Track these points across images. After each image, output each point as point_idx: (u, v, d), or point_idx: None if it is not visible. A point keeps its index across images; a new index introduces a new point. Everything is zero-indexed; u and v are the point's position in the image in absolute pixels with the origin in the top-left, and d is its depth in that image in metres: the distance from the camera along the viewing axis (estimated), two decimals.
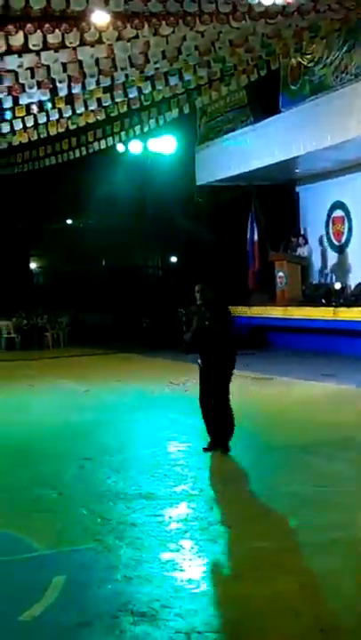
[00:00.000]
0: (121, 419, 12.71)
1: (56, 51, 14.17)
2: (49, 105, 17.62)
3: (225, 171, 24.45)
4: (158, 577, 5.79)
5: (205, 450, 9.73)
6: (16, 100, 16.83)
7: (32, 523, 7.11)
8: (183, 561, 6.09)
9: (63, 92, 16.51)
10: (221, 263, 26.41)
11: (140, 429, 11.68)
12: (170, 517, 7.19)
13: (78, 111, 18.09)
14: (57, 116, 18.38)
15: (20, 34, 13.45)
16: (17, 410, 14.05)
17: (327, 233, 23.98)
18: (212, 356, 9.59)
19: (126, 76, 16.36)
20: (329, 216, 23.88)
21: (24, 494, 8.16)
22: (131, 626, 4.97)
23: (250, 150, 22.94)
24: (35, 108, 17.77)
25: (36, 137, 20.05)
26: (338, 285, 21.77)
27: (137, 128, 21.36)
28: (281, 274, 22.99)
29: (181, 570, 5.91)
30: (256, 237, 25.31)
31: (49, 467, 9.43)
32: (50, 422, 12.61)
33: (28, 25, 13.33)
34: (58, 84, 15.92)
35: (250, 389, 14.98)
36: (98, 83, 16.10)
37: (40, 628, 5.00)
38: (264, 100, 23.15)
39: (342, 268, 23.07)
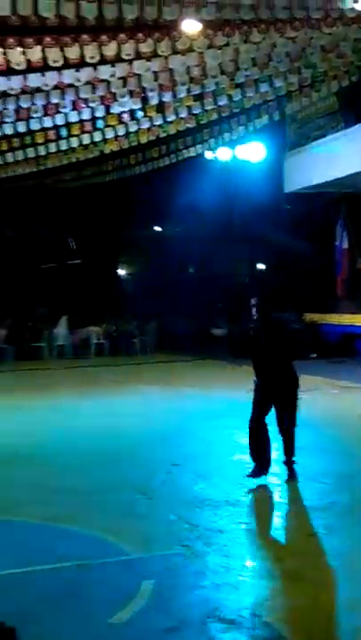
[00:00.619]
0: (206, 425, 12.73)
1: (148, 60, 14.32)
2: (140, 113, 17.82)
3: (314, 178, 24.27)
4: (247, 585, 5.77)
5: (250, 476, 8.79)
6: (108, 109, 17.08)
7: (121, 527, 7.17)
8: (271, 569, 6.05)
9: (154, 101, 16.68)
10: (310, 271, 26.22)
11: (225, 436, 11.66)
12: (257, 525, 7.16)
13: (169, 119, 18.24)
14: (148, 125, 18.57)
15: (114, 44, 13.65)
16: (106, 414, 14.22)
17: None
18: (273, 375, 8.81)
19: (217, 83, 16.42)
20: None
21: (114, 498, 8.24)
22: (219, 633, 4.96)
23: (340, 157, 22.72)
24: (126, 117, 18.00)
25: (126, 145, 20.30)
26: None
27: (226, 135, 21.40)
28: None
29: (270, 578, 5.88)
30: (346, 245, 25.05)
31: (137, 471, 9.51)
32: (137, 427, 12.72)
33: (121, 35, 13.51)
34: (149, 93, 16.09)
35: (340, 397, 14.81)
36: (188, 91, 16.21)
37: (129, 631, 5.03)
38: (355, 105, 22.91)
39: None
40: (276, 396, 8.85)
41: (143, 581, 5.76)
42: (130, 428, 12.66)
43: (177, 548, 6.54)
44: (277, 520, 7.32)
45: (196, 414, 13.91)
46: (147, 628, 5.06)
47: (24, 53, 14.53)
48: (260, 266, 35.70)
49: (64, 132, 19.44)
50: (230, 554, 6.42)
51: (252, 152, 26.75)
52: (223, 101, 17.75)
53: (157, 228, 37.64)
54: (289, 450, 8.93)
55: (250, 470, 8.85)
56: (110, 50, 13.94)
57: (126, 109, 17.33)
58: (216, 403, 15.22)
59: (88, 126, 18.78)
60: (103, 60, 14.54)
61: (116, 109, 17.21)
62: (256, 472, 8.82)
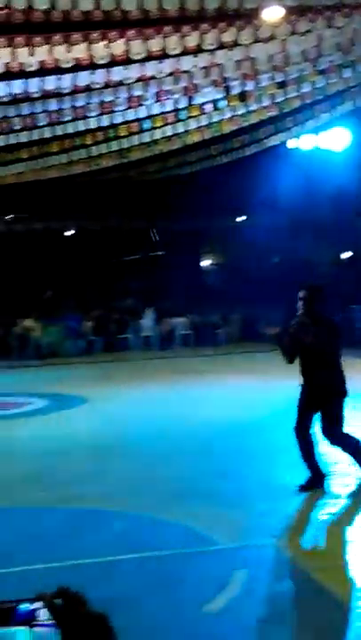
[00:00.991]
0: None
1: (230, 49, 14.27)
2: (222, 103, 17.78)
3: None
4: (339, 575, 5.72)
5: (302, 489, 7.98)
6: (190, 100, 17.10)
7: (212, 516, 7.19)
8: None
9: (236, 90, 16.61)
10: None
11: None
12: (349, 517, 7.09)
13: (251, 108, 18.15)
14: (230, 114, 18.52)
15: (196, 34, 13.64)
16: (194, 404, 14.28)
17: None
18: (318, 378, 7.93)
19: (299, 70, 16.25)
20: None
21: (205, 487, 8.27)
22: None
23: None
24: (208, 107, 17.98)
25: (209, 136, 20.29)
26: None
27: (309, 123, 21.16)
28: None
29: None
30: None
31: (227, 460, 9.53)
32: (226, 417, 12.73)
33: (203, 25, 13.49)
34: (231, 82, 16.04)
35: None
36: (271, 79, 16.09)
37: (223, 620, 5.05)
38: None
39: None
40: (316, 403, 7.99)
41: (235, 571, 5.77)
42: (219, 418, 12.69)
43: (269, 539, 6.53)
44: None
45: (284, 404, 13.83)
46: (240, 618, 5.07)
47: (107, 47, 14.66)
48: (345, 255, 35.25)
49: (147, 125, 19.55)
50: (321, 544, 6.38)
51: (336, 139, 26.37)
52: (306, 88, 17.55)
53: (240, 219, 37.53)
54: (314, 466, 8.08)
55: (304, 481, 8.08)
56: (192, 40, 13.94)
57: (209, 100, 17.31)
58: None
59: (171, 118, 18.83)
60: (185, 51, 14.55)
61: (198, 100, 17.21)
62: (308, 484, 8.01)
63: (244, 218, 37.42)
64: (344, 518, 7.08)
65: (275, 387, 16.08)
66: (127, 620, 4.93)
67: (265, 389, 15.83)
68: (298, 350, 8.04)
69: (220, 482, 8.47)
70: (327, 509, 7.34)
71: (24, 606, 1.19)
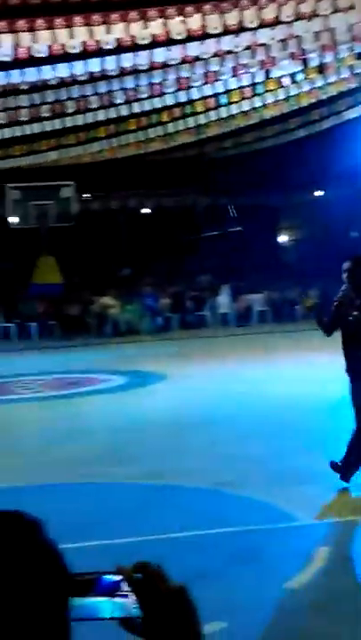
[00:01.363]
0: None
1: (308, 20, 14.06)
2: (300, 76, 17.56)
3: None
4: None
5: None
6: (268, 74, 16.93)
7: (294, 494, 7.17)
8: None
9: (315, 62, 16.38)
10: None
11: None
12: None
13: (330, 80, 17.87)
14: (308, 87, 18.28)
15: (273, 6, 13.48)
16: (277, 381, 14.21)
17: None
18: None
19: None
20: None
21: (287, 465, 8.25)
22: None
23: None
24: (286, 81, 17.79)
25: (286, 109, 20.08)
26: None
27: None
28: None
29: None
30: None
31: (308, 438, 9.45)
32: (309, 395, 12.61)
33: None
34: (309, 55, 15.82)
35: None
36: (351, 50, 15.80)
37: (307, 595, 5.04)
38: None
39: None
40: None
41: (318, 547, 5.75)
42: (302, 396, 12.58)
43: (351, 515, 6.48)
44: None
45: None
46: (324, 594, 5.06)
47: (184, 22, 14.61)
48: None
49: (224, 100, 19.45)
50: None
51: None
52: None
53: (318, 193, 37.07)
54: None
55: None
56: (270, 13, 13.80)
57: (286, 73, 17.11)
58: None
59: (248, 92, 18.70)
60: (262, 24, 14.40)
61: (275, 73, 17.03)
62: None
63: (321, 193, 36.96)
64: None
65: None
66: (210, 593, 4.98)
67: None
68: (337, 325, 7.49)
69: (302, 459, 8.42)
70: None
71: (107, 577, 1.21)
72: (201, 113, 20.62)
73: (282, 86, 18.16)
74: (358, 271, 7.36)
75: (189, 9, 14.23)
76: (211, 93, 18.69)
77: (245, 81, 17.57)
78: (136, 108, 20.29)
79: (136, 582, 1.19)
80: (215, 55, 16.44)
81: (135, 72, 18.12)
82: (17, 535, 1.11)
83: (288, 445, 9.13)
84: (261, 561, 5.63)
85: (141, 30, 14.87)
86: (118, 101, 20.11)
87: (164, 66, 17.39)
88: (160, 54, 16.49)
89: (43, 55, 15.84)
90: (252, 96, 18.93)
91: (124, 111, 20.74)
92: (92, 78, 18.77)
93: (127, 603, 1.17)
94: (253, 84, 17.89)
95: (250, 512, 6.78)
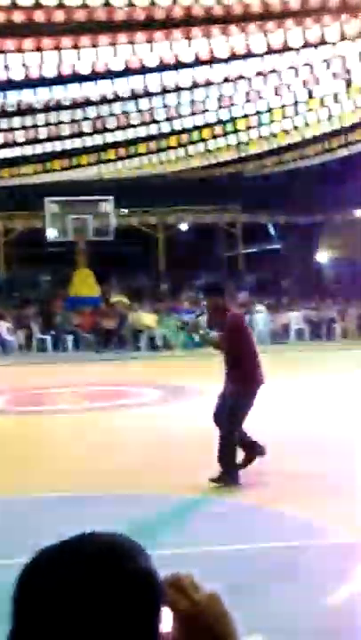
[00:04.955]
0: None
1: (353, 40, 14.11)
2: (343, 95, 17.60)
3: None
4: None
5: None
6: (310, 93, 17.00)
7: (335, 510, 7.15)
8: None
9: (358, 82, 16.41)
10: None
11: None
12: None
13: None
14: (352, 107, 18.30)
15: (317, 27, 13.55)
16: (308, 400, 14.17)
17: None
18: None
19: None
20: None
21: (323, 481, 8.23)
22: None
23: None
24: (329, 100, 17.83)
25: (329, 128, 20.11)
26: None
27: None
28: None
29: None
30: None
31: (339, 456, 9.42)
32: (347, 412, 12.58)
33: (326, 17, 13.39)
34: (353, 74, 15.85)
35: None
36: None
37: (348, 613, 5.03)
38: None
39: None
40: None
41: (356, 565, 5.74)
42: (339, 414, 12.54)
43: None
44: None
45: None
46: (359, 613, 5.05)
47: (227, 41, 14.74)
48: None
49: (266, 118, 19.54)
50: None
51: None
52: None
53: (359, 213, 36.94)
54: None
55: None
56: (314, 33, 13.87)
57: (329, 92, 17.16)
58: None
59: (290, 111, 18.77)
60: (306, 44, 14.48)
61: (318, 92, 17.09)
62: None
63: None
64: None
65: None
66: (244, 607, 5.00)
67: None
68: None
69: (340, 475, 8.39)
70: None
71: None
72: (242, 131, 20.72)
73: (324, 105, 18.19)
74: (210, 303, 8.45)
75: (233, 29, 14.36)
76: (253, 112, 18.79)
77: (288, 99, 17.65)
78: (177, 124, 20.45)
79: (166, 594, 1.18)
80: (259, 74, 16.55)
81: (177, 89, 18.29)
82: (109, 562, 1.14)
83: (325, 462, 9.10)
84: (297, 577, 5.64)
85: (186, 48, 15.03)
86: (159, 118, 20.29)
87: (207, 84, 17.53)
88: (202, 72, 16.64)
89: (86, 72, 16.08)
90: (295, 114, 18.99)
91: (165, 128, 20.92)
92: (134, 95, 18.98)
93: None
94: (296, 103, 17.96)
95: (286, 527, 6.79)
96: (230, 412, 8.41)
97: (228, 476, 8.14)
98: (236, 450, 8.35)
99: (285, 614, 5.02)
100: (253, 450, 8.56)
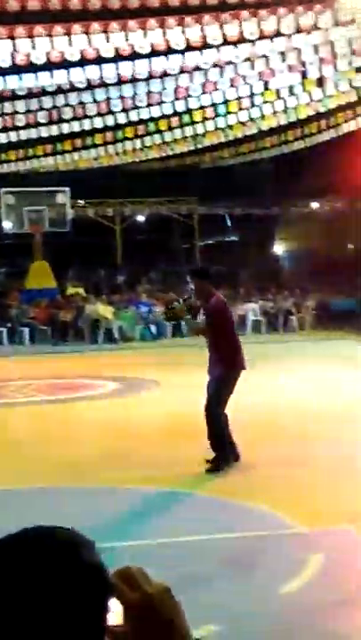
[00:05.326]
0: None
1: (308, 33, 14.16)
2: (299, 88, 17.67)
3: None
4: None
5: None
6: (266, 85, 17.04)
7: (291, 500, 7.21)
8: None
9: (314, 75, 16.48)
10: None
11: None
12: None
13: (328, 93, 17.98)
14: (307, 99, 18.39)
15: (273, 19, 13.58)
16: (271, 390, 14.24)
17: None
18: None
19: None
20: None
21: (281, 473, 8.29)
22: None
23: None
24: (284, 92, 17.90)
25: (284, 121, 20.19)
26: None
27: None
28: None
29: None
30: None
31: (301, 447, 9.50)
32: (305, 403, 12.67)
33: (281, 9, 13.42)
34: (308, 67, 15.92)
35: None
36: (350, 63, 15.91)
37: (300, 601, 5.08)
38: None
39: None
40: None
41: (312, 554, 5.79)
42: (297, 404, 12.63)
43: (345, 524, 6.52)
44: None
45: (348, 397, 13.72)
46: (317, 600, 5.09)
47: (183, 32, 14.70)
48: None
49: (222, 110, 19.54)
50: None
51: None
52: None
53: (315, 204, 37.22)
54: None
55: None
56: (269, 25, 13.90)
57: (285, 85, 17.22)
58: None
59: (246, 103, 18.80)
60: (262, 36, 14.51)
61: (274, 85, 17.14)
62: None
63: (317, 204, 37.11)
64: None
65: (350, 375, 15.95)
66: (203, 597, 5.03)
67: (340, 377, 15.72)
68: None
69: (298, 466, 8.45)
70: None
71: None
72: (199, 122, 20.72)
73: (280, 98, 18.26)
74: (195, 281, 8.72)
75: (189, 19, 14.33)
76: (209, 103, 18.78)
77: (244, 91, 17.67)
78: (133, 115, 20.37)
79: (116, 587, 1.19)
80: (214, 65, 16.55)
81: (133, 80, 18.21)
82: (56, 554, 1.14)
83: (283, 453, 9.16)
84: (255, 567, 5.68)
85: (141, 39, 14.96)
86: (116, 109, 20.19)
87: (163, 75, 17.48)
88: (159, 63, 16.58)
89: (41, 62, 15.93)
90: (251, 107, 19.03)
91: (121, 119, 20.82)
92: (90, 85, 18.86)
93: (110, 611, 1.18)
94: (252, 95, 18.00)
95: (245, 518, 6.83)
96: (215, 393, 8.61)
97: (219, 458, 8.38)
98: (223, 431, 8.50)
99: (240, 605, 5.05)
100: (230, 451, 8.63)
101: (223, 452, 8.46)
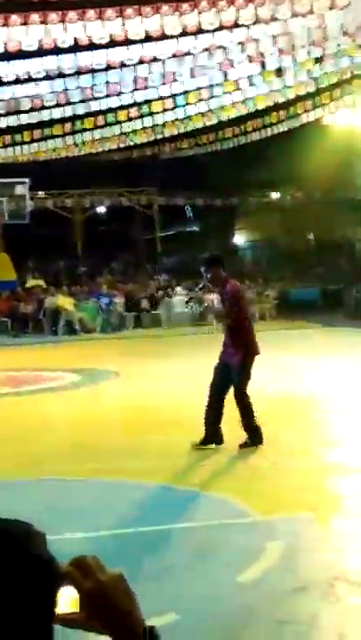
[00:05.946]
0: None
1: (267, 24, 14.19)
2: (258, 79, 17.70)
3: None
4: None
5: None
6: (225, 76, 17.04)
7: (248, 490, 7.26)
8: None
9: (273, 66, 16.53)
10: None
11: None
12: None
13: (287, 84, 18.05)
14: (266, 90, 18.43)
15: (232, 9, 13.58)
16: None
17: None
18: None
19: (338, 45, 16.12)
20: None
21: (241, 463, 8.34)
22: (346, 594, 4.99)
23: None
24: (244, 83, 17.92)
25: (244, 111, 20.22)
26: None
27: (346, 99, 20.99)
28: None
29: None
30: None
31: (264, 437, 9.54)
32: (264, 394, 12.71)
33: (240, 0, 13.43)
34: (267, 58, 15.96)
35: None
36: (308, 54, 15.98)
37: (258, 589, 5.12)
38: None
39: None
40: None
41: (270, 542, 5.84)
42: (257, 393, 12.63)
43: (304, 512, 6.58)
44: None
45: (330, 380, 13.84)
46: (274, 588, 5.14)
47: (142, 23, 14.64)
48: None
49: (181, 101, 19.52)
50: (358, 518, 6.42)
51: None
52: (345, 63, 17.41)
53: (275, 195, 37.37)
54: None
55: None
56: (228, 16, 13.89)
57: (244, 75, 17.24)
58: (332, 369, 15.09)
59: (205, 93, 18.79)
60: (221, 27, 14.50)
61: (234, 75, 17.15)
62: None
63: (277, 195, 37.27)
64: None
65: (311, 363, 16.09)
66: (164, 587, 5.06)
67: (301, 366, 15.84)
68: None
69: (254, 457, 8.51)
70: None
71: None
72: (158, 113, 20.66)
73: (239, 88, 18.28)
74: (210, 270, 8.99)
75: (147, 10, 14.27)
76: (168, 94, 18.74)
77: (203, 82, 17.66)
78: (93, 106, 20.25)
79: (71, 576, 1.21)
80: (173, 56, 16.51)
81: (92, 71, 18.09)
82: (5, 547, 1.16)
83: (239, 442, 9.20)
84: (216, 556, 5.71)
85: (99, 29, 14.87)
86: (75, 100, 20.05)
87: (122, 65, 17.39)
88: (118, 54, 16.50)
89: None
90: (210, 97, 19.03)
91: (80, 110, 20.69)
92: (49, 76, 18.70)
93: (65, 598, 1.20)
94: (211, 86, 17.99)
95: (205, 508, 6.88)
96: (239, 383, 8.78)
97: (254, 437, 8.74)
98: (253, 412, 8.81)
99: (199, 593, 5.08)
100: (214, 436, 8.88)
101: (256, 433, 8.79)
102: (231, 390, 8.86)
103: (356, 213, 33.09)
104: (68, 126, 23.31)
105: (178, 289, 28.48)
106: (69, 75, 18.31)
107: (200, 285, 9.31)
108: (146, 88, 18.67)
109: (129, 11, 14.49)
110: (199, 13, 13.95)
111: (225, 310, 8.99)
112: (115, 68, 17.52)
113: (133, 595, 1.25)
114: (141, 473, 8.01)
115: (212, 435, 8.87)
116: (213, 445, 8.83)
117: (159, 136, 23.52)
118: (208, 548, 5.86)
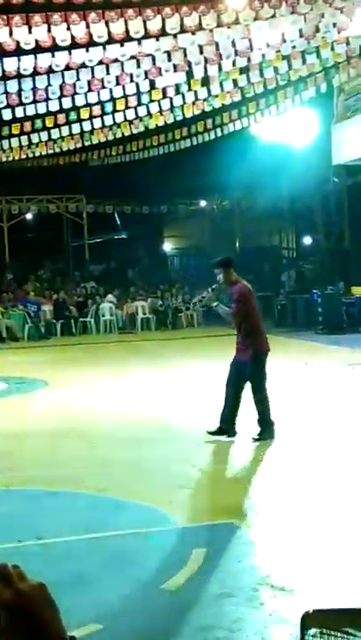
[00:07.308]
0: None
1: (193, 33, 14.29)
2: (185, 87, 17.81)
3: None
4: (297, 554, 5.84)
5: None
6: (153, 84, 17.09)
7: (172, 497, 7.27)
8: (322, 540, 6.11)
9: (199, 74, 16.64)
10: (358, 244, 26.03)
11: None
12: (309, 499, 7.20)
13: (214, 93, 18.20)
14: (193, 99, 18.54)
15: (158, 18, 13.64)
16: (152, 388, 14.32)
17: None
18: None
19: (263, 55, 16.32)
20: None
21: (164, 470, 8.35)
22: (270, 599, 5.04)
23: None
24: (171, 91, 18.00)
25: (171, 119, 20.29)
26: None
27: (272, 108, 21.26)
28: None
29: (321, 548, 5.94)
30: None
31: (186, 445, 9.58)
32: (189, 401, 12.78)
33: (166, 9, 13.50)
34: (194, 67, 16.06)
35: None
36: (234, 64, 16.14)
37: (182, 597, 5.14)
38: None
39: None
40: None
41: (194, 549, 5.86)
42: (182, 402, 12.73)
43: (228, 518, 6.63)
44: (332, 492, 7.35)
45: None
46: (199, 594, 5.16)
47: (69, 29, 14.59)
48: (308, 239, 35.50)
49: (109, 108, 19.49)
50: (281, 524, 6.49)
51: (300, 124, 26.44)
52: (270, 74, 17.64)
53: (203, 203, 37.59)
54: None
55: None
56: (155, 24, 13.94)
57: (171, 84, 17.32)
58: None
59: (133, 101, 18.80)
60: (147, 35, 14.54)
61: (161, 83, 17.21)
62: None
63: (205, 203, 37.48)
64: (304, 500, 7.19)
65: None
66: (86, 597, 5.04)
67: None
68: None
69: (179, 465, 8.54)
70: (289, 491, 7.45)
71: None
72: (86, 120, 20.59)
73: (166, 96, 18.35)
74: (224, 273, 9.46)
75: (74, 17, 14.22)
76: (96, 101, 18.69)
77: (130, 90, 17.67)
78: (19, 112, 20.05)
79: None
80: (100, 63, 16.48)
81: (19, 76, 17.93)
82: None
83: (166, 453, 9.22)
84: (137, 564, 5.71)
85: (26, 35, 14.76)
86: (0, 105, 19.83)
87: (49, 71, 17.28)
88: (45, 59, 16.39)
89: None
90: (138, 105, 19.05)
91: (6, 115, 20.47)
92: None
93: None
94: (138, 93, 18.02)
95: (127, 516, 6.86)
96: (257, 382, 9.19)
97: (267, 431, 9.13)
98: (269, 406, 9.21)
99: (122, 602, 5.07)
100: (229, 428, 9.31)
101: (270, 427, 9.18)
102: (248, 386, 9.29)
103: (280, 221, 33.56)
104: None
105: (109, 296, 28.43)
106: None
107: (212, 287, 9.82)
108: (73, 95, 18.58)
109: (55, 17, 14.41)
110: (126, 21, 13.97)
111: (234, 310, 9.35)
112: (42, 73, 17.39)
113: (55, 605, 1.24)
114: (64, 482, 7.96)
115: (226, 430, 9.32)
116: (225, 437, 9.23)
117: (87, 143, 23.42)
118: (132, 557, 5.86)
